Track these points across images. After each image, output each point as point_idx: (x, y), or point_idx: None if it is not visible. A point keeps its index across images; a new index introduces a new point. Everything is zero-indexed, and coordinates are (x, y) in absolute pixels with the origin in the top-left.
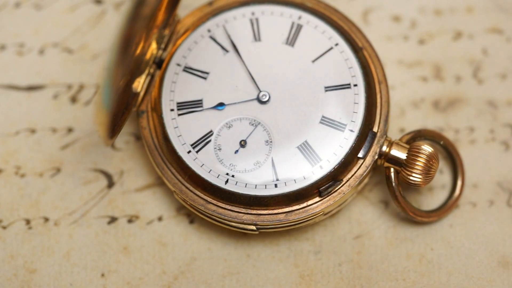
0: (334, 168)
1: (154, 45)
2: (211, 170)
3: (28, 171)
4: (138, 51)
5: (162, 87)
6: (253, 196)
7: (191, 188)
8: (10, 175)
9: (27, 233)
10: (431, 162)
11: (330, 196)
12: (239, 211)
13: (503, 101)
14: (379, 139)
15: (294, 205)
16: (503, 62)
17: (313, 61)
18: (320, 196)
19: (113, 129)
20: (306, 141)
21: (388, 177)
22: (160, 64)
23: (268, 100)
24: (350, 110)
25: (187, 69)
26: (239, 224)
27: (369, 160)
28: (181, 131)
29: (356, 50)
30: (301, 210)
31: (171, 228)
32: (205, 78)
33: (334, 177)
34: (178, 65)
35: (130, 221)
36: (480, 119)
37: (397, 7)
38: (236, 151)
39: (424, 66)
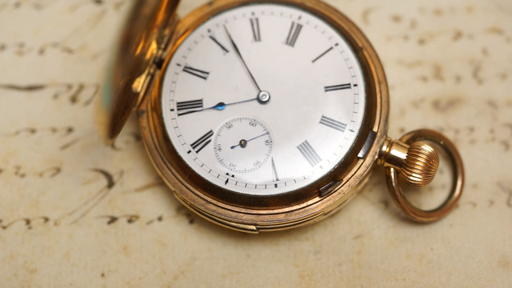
0: (334, 168)
1: (154, 45)
2: (211, 170)
3: (28, 171)
4: (138, 51)
5: (162, 87)
6: (253, 196)
7: (191, 188)
8: (10, 175)
9: (27, 233)
10: (431, 162)
11: (330, 196)
12: (239, 211)
13: (503, 101)
14: (379, 139)
15: (294, 205)
16: (503, 62)
17: (313, 61)
18: (320, 196)
19: (113, 129)
20: (306, 141)
21: (388, 177)
22: (160, 64)
23: (268, 100)
24: (350, 110)
25: (187, 69)
26: (239, 224)
27: (369, 160)
28: (181, 131)
29: (356, 50)
30: (301, 210)
31: (171, 228)
32: (205, 78)
33: (334, 177)
34: (178, 65)
35: (130, 221)
36: (480, 119)
37: (397, 7)
38: (232, 147)
39: (424, 66)
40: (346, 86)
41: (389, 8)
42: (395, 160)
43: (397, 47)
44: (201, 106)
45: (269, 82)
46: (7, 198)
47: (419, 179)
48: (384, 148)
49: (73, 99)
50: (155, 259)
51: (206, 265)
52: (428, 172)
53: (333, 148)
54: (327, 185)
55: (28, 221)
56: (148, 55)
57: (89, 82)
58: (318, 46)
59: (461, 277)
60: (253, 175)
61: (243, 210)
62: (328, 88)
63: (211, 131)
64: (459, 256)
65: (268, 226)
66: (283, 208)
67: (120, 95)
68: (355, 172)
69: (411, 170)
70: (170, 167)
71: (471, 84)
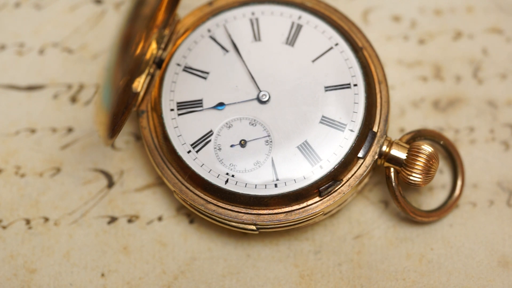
0: (334, 168)
1: (154, 45)
2: (211, 170)
3: (28, 171)
4: (138, 51)
5: (162, 87)
6: (253, 196)
7: (191, 188)
8: (10, 175)
9: (27, 233)
10: (431, 162)
11: (330, 196)
12: (239, 211)
13: (503, 101)
14: (379, 139)
15: (294, 205)
16: (503, 62)
17: (313, 61)
18: (320, 196)
19: (113, 129)
20: (306, 141)
21: (388, 177)
22: (160, 64)
23: (268, 100)
24: (350, 110)
25: (187, 69)
26: (239, 224)
27: (369, 160)
28: (181, 131)
29: (356, 50)
30: (301, 210)
31: (171, 228)
32: (205, 78)
33: (334, 177)
34: (178, 65)
35: (130, 221)
36: (480, 119)
37: (397, 7)
38: (232, 146)
39: (424, 66)
40: (346, 86)
41: (389, 8)
42: (395, 160)
43: (397, 47)
44: (201, 106)
45: (269, 82)
46: (7, 198)
47: (419, 179)
48: (384, 148)
49: (73, 99)
50: (155, 259)
51: (206, 265)
52: (428, 172)
53: (333, 148)
54: (327, 185)
55: (28, 221)
56: (148, 55)
57: (89, 82)
58: (318, 46)
59: (461, 277)
60: (253, 175)
61: (243, 210)
62: (328, 88)
63: (211, 131)
64: (459, 256)
65: (268, 226)
66: (283, 208)
67: (120, 95)
68: (355, 172)
69: (411, 170)
70: (170, 167)
71: (471, 84)
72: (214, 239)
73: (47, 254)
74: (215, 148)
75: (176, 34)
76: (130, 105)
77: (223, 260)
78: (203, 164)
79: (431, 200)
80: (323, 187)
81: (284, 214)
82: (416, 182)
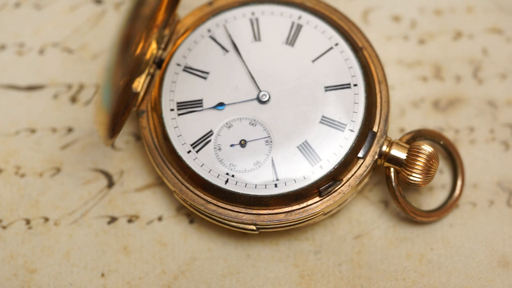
0: (334, 168)
1: (154, 45)
2: (211, 170)
3: (28, 171)
4: (138, 51)
5: (162, 87)
6: (253, 196)
7: (191, 188)
8: (10, 175)
9: (27, 233)
10: (431, 162)
11: (330, 196)
12: (239, 211)
13: (503, 101)
14: (379, 139)
15: (294, 205)
16: (503, 62)
17: (313, 61)
18: (320, 196)
19: (113, 129)
20: (306, 141)
21: (388, 177)
22: (160, 64)
23: (268, 100)
24: (350, 110)
25: (187, 69)
26: (239, 224)
27: (369, 160)
28: (181, 131)
29: (356, 50)
30: (301, 210)
31: (171, 228)
32: (205, 78)
33: (334, 177)
34: (178, 65)
35: (130, 221)
36: (480, 119)
37: (397, 7)
38: (232, 146)
39: (424, 66)
40: (346, 86)
41: (389, 8)
42: (395, 160)
43: (397, 47)
44: (201, 106)
45: (269, 82)
46: (7, 198)
47: (419, 179)
48: (384, 148)
49: (73, 99)
50: (155, 259)
51: (206, 265)
52: (428, 172)
53: (333, 148)
54: (327, 185)
55: (28, 221)
56: (148, 55)
57: (89, 82)
58: (318, 46)
59: (461, 277)
60: (253, 175)
61: (243, 210)
62: (328, 88)
63: (211, 131)
64: (459, 256)
65: (268, 226)
66: (283, 208)
67: (120, 95)
68: (355, 172)
69: (411, 170)
70: (170, 167)
71: (471, 84)
72: (214, 239)
73: (47, 254)
74: (215, 148)
75: (176, 34)
76: (130, 105)
77: (223, 260)
78: (203, 164)
79: (431, 200)
80: (323, 187)
81: (284, 214)
82: (416, 182)
